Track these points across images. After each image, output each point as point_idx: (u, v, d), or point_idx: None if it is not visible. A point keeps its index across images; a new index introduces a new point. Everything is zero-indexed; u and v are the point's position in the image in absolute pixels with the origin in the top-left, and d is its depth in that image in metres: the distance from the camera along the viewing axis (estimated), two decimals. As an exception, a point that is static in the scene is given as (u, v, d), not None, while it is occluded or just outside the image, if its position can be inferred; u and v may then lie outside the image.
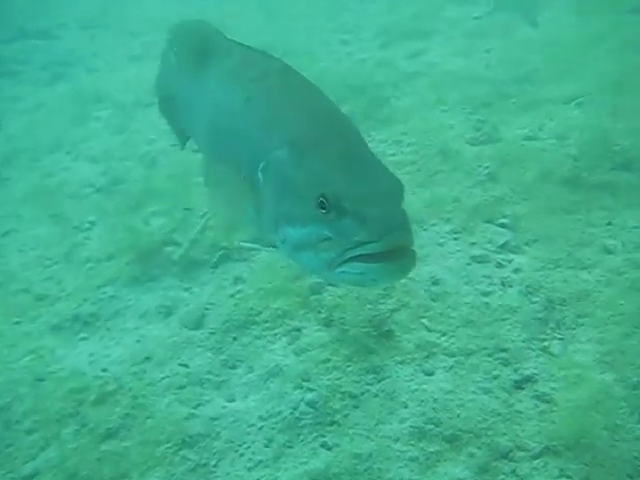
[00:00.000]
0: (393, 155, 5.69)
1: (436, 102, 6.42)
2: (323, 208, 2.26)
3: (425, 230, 4.76)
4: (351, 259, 2.22)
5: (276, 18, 9.64)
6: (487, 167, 5.24)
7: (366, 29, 8.88)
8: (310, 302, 4.23)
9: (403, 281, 4.25)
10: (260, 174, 2.54)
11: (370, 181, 2.31)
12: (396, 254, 2.17)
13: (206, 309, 4.38)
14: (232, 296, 4.44)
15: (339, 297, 4.18)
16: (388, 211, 2.22)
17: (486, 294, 4.13)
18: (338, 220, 2.24)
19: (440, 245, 4.60)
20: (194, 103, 3.24)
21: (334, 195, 2.24)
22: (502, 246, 4.48)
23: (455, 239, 4.63)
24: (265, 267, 4.60)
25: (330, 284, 4.27)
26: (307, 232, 2.32)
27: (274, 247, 2.64)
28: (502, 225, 4.66)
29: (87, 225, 5.46)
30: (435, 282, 4.26)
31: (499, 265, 4.34)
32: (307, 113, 2.59)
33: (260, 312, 4.25)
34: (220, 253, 4.81)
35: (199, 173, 3.55)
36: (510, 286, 4.16)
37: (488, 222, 4.72)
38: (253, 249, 2.90)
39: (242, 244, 2.88)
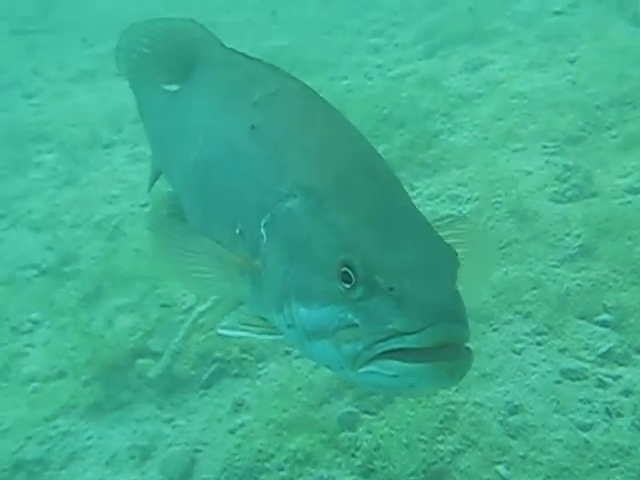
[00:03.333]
0: (448, 217, 5.73)
1: (505, 138, 6.52)
2: (347, 281, 2.24)
3: (495, 330, 4.81)
4: (382, 355, 2.20)
5: (280, 15, 9.84)
6: (579, 236, 5.30)
7: (404, 30, 9.07)
8: (340, 440, 4.27)
9: (469, 408, 4.30)
10: (263, 231, 2.55)
11: (412, 247, 2.30)
12: (444, 352, 2.15)
13: (196, 451, 4.43)
14: (232, 432, 4.49)
15: (380, 436, 4.21)
16: (435, 291, 2.21)
17: (585, 427, 4.14)
18: (367, 299, 2.23)
19: (517, 353, 4.64)
20: (169, 128, 3.33)
21: (362, 263, 2.23)
22: (604, 355, 4.50)
23: (538, 344, 4.66)
24: (276, 387, 4.66)
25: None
26: (325, 314, 2.30)
27: (274, 334, 2.64)
28: (603, 323, 4.69)
29: (28, 326, 5.57)
30: (513, 409, 4.28)
31: (601, 384, 4.35)
32: (330, 151, 2.62)
33: (272, 455, 4.28)
34: (213, 367, 4.88)
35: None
36: (619, 415, 4.16)
37: (582, 318, 4.75)
38: (241, 337, 2.86)
39: (222, 331, 2.79)
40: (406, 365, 2.16)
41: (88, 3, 11.47)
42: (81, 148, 7.79)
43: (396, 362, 2.17)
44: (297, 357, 4.82)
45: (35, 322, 5.59)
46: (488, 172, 6.11)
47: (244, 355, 4.91)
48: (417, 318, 2.15)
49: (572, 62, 7.52)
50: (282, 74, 2.95)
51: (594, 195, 5.70)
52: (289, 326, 2.45)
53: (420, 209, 2.51)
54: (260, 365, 4.87)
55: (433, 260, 2.29)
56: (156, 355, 5.01)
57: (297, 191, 2.49)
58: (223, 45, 3.20)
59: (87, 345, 5.12)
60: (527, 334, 4.72)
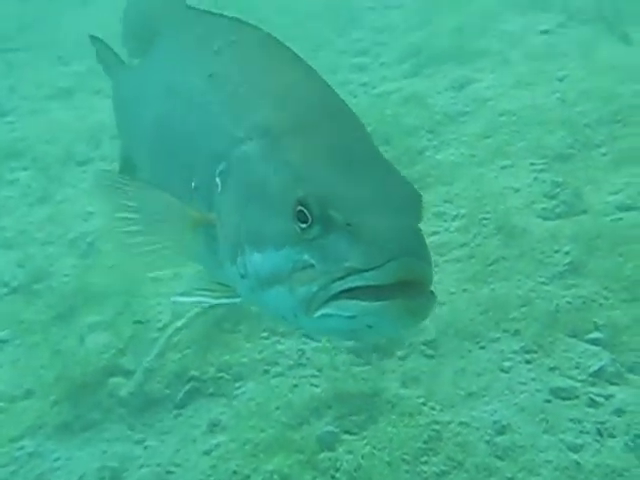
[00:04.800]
0: (434, 234, 5.69)
1: (492, 155, 6.46)
2: (303, 220, 2.16)
3: (482, 348, 4.72)
4: (339, 295, 2.10)
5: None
6: (568, 253, 5.23)
7: (389, 49, 9.03)
8: (320, 461, 4.15)
9: (454, 428, 4.20)
10: (218, 179, 2.48)
11: (372, 184, 2.22)
12: (405, 291, 2.05)
13: (168, 473, 4.30)
14: (207, 453, 4.36)
15: (361, 456, 4.10)
16: (395, 226, 2.12)
17: (576, 448, 4.03)
18: (323, 238, 2.14)
19: (505, 371, 4.55)
20: (134, 99, 3.30)
21: (318, 199, 2.15)
22: (596, 374, 4.41)
23: (527, 362, 4.57)
24: (254, 407, 4.55)
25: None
26: (279, 258, 2.22)
27: (231, 297, 2.57)
28: (594, 341, 4.60)
29: (-3, 345, 5.44)
30: (501, 429, 4.18)
31: (592, 403, 4.26)
32: (288, 93, 2.56)
33: (248, 477, 4.16)
34: (188, 386, 4.76)
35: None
36: (611, 436, 4.07)
37: (573, 336, 4.66)
38: (197, 303, 2.77)
39: (177, 299, 2.75)
40: (363, 304, 2.06)
41: (64, 22, 11.41)
42: (55, 165, 7.69)
43: (352, 302, 2.08)
44: (276, 376, 4.73)
45: (4, 341, 5.47)
46: (475, 189, 6.05)
47: (221, 374, 4.80)
48: (375, 253, 2.05)
49: (561, 80, 7.49)
50: (244, 24, 2.93)
51: (584, 212, 5.64)
52: (242, 276, 2.36)
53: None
54: (237, 384, 4.75)
55: (394, 197, 2.21)
56: (129, 373, 4.90)
57: (253, 133, 2.42)
58: (187, 6, 3.16)
59: (57, 363, 5.01)
60: (515, 352, 4.64)
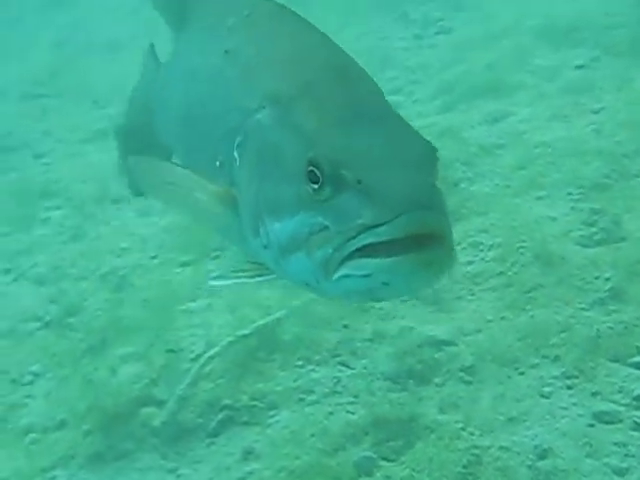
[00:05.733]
0: (470, 263, 5.65)
1: (528, 186, 6.41)
2: (315, 181, 2.16)
3: (522, 374, 4.66)
4: (353, 255, 2.07)
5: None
6: (608, 279, 5.17)
7: (422, 86, 9.06)
8: (357, 487, 4.11)
9: (494, 453, 4.13)
10: (236, 153, 2.51)
11: (383, 141, 2.22)
12: (421, 244, 2.01)
13: (202, 502, 4.27)
14: (241, 481, 4.32)
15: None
16: (408, 181, 2.10)
17: (621, 472, 3.96)
18: (335, 198, 2.14)
19: (546, 397, 4.49)
20: (167, 87, 3.37)
21: (328, 158, 2.15)
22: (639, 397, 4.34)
23: (568, 387, 4.52)
24: (288, 435, 4.51)
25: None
26: (296, 223, 2.21)
27: (266, 274, 2.55)
28: (637, 365, 4.55)
29: (29, 378, 5.45)
30: (542, 454, 4.11)
31: (636, 427, 4.19)
32: (300, 60, 2.59)
33: (283, 504, 4.12)
34: (221, 415, 4.74)
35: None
36: (657, 459, 4.00)
37: (615, 361, 4.60)
38: (235, 283, 2.75)
39: (213, 282, 2.72)
40: (375, 261, 2.04)
41: (95, 68, 11.57)
42: (89, 204, 7.75)
43: (365, 260, 2.06)
44: (311, 404, 4.69)
45: (36, 374, 5.48)
46: (511, 219, 6.00)
47: (254, 402, 4.77)
48: (385, 208, 2.04)
49: (596, 113, 7.44)
50: None
51: (623, 239, 5.57)
52: (265, 247, 2.37)
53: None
54: (271, 413, 4.72)
55: (406, 152, 2.20)
56: (161, 403, 4.90)
57: (265, 102, 2.46)
58: None
59: (89, 394, 5.01)
60: (556, 378, 4.59)
